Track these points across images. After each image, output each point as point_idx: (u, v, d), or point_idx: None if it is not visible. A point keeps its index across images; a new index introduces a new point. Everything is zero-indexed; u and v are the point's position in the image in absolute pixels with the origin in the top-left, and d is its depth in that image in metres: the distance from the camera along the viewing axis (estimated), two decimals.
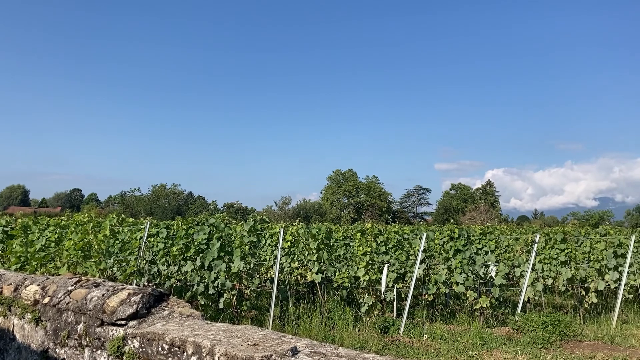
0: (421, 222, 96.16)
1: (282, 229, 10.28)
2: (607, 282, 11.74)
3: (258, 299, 12.40)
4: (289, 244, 12.29)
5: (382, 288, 10.85)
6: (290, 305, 10.27)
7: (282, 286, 11.30)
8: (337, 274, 11.46)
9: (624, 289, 11.49)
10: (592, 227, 20.50)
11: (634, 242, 11.74)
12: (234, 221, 15.27)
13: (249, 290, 10.23)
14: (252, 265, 10.33)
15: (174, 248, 10.49)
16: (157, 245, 11.34)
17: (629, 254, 11.37)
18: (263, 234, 11.98)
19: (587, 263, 12.07)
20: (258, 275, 12.18)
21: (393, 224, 16.36)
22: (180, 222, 11.20)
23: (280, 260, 12.00)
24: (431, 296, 11.52)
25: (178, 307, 4.08)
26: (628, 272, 11.71)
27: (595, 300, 11.52)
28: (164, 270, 11.10)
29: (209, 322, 3.80)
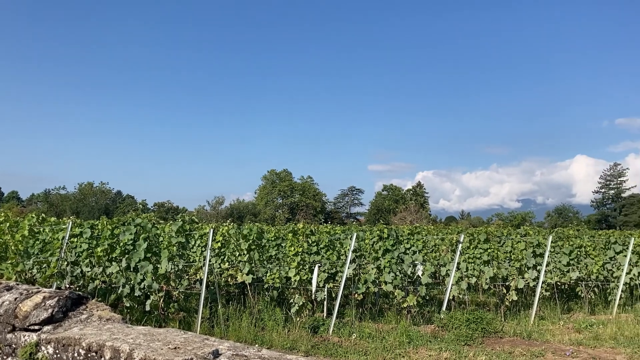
0: (354, 222, 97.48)
1: (212, 230, 10.13)
2: (526, 280, 12.32)
3: (187, 301, 12.16)
4: (219, 244, 12.13)
5: (313, 288, 10.91)
6: (220, 306, 10.14)
7: (212, 287, 11.14)
8: (268, 274, 11.43)
9: (541, 287, 12.10)
10: (514, 227, 21.47)
11: (551, 242, 12.38)
12: (163, 221, 14.91)
13: (177, 292, 10.02)
14: (180, 267, 10.12)
15: (99, 249, 10.12)
16: (81, 246, 10.91)
17: (547, 254, 11.99)
18: (192, 235, 11.77)
19: (509, 262, 12.62)
20: (187, 277, 11.95)
21: (326, 224, 16.49)
22: (105, 222, 10.82)
23: (210, 261, 11.83)
24: (361, 295, 11.69)
25: (97, 311, 3.94)
26: (545, 271, 12.35)
27: (515, 298, 12.06)
28: (88, 271, 10.69)
29: (130, 325, 3.69)
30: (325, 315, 11.59)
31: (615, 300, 13.08)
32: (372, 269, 11.46)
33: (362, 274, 11.68)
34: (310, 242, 11.63)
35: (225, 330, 9.71)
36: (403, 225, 26.18)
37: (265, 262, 12.13)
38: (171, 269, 9.78)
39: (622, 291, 13.23)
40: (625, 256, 13.33)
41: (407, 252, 13.11)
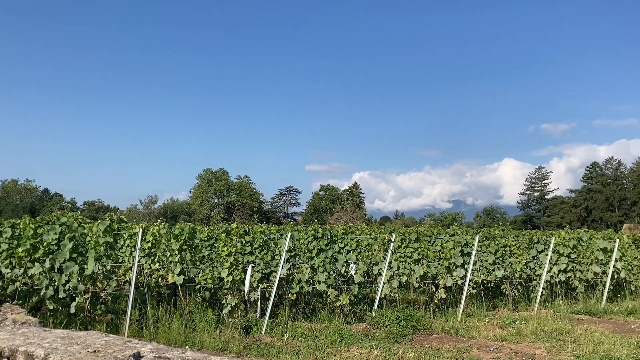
0: (291, 222, 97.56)
1: (142, 229, 9.87)
2: (454, 278, 12.72)
3: (116, 303, 11.80)
4: (149, 244, 11.83)
5: (246, 288, 10.83)
6: (149, 308, 9.89)
7: (142, 288, 10.85)
8: (200, 275, 11.25)
9: (468, 285, 12.53)
10: (444, 227, 22.14)
11: (478, 241, 12.85)
12: (92, 220, 14.39)
13: (105, 293, 9.70)
14: (108, 267, 9.80)
15: (20, 249, 9.65)
16: (0, 246, 10.37)
17: (473, 253, 12.44)
18: (121, 235, 11.42)
19: (438, 261, 12.98)
20: (116, 278, 11.59)
21: (261, 224, 16.42)
22: (27, 221, 10.31)
23: (140, 261, 11.52)
24: (294, 295, 11.71)
25: (12, 314, 3.75)
26: (472, 269, 12.80)
27: (444, 296, 12.43)
28: (8, 273, 10.18)
29: (47, 329, 3.54)
30: (258, 315, 11.54)
31: (536, 297, 13.74)
32: (306, 268, 11.51)
33: (296, 274, 11.71)
34: (244, 242, 11.55)
35: (155, 332, 9.48)
36: (339, 225, 26.46)
37: (197, 262, 11.93)
38: (99, 269, 9.46)
39: (543, 288, 13.90)
40: (547, 255, 14.01)
41: (341, 251, 13.26)
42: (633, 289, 15.92)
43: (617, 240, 15.19)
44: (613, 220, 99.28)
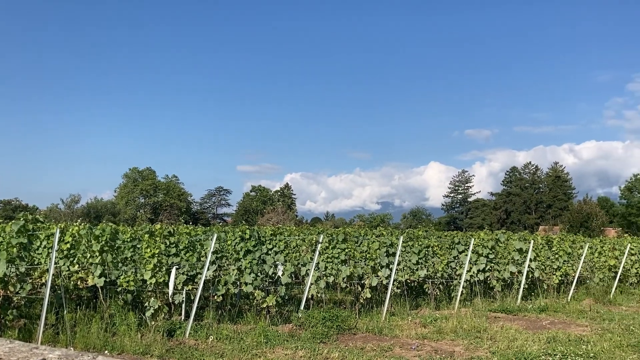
0: (220, 223, 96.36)
1: (59, 230, 9.44)
2: (380, 278, 12.99)
3: (31, 307, 11.20)
4: (68, 245, 11.34)
5: (170, 291, 10.60)
6: (66, 312, 9.48)
7: (59, 292, 10.37)
8: (122, 277, 10.90)
9: (393, 284, 12.84)
10: (371, 228, 22.58)
11: (402, 242, 13.19)
12: (6, 220, 13.62)
13: (18, 297, 9.21)
14: (22, 270, 9.31)
15: None
16: None
17: (398, 253, 12.76)
18: (37, 235, 10.88)
19: (364, 261, 13.22)
20: (31, 280, 11.02)
21: (187, 225, 16.11)
22: None
23: (58, 263, 11.02)
24: (220, 297, 11.58)
25: None
26: (397, 269, 13.13)
27: (369, 296, 12.66)
28: None
29: None
30: (183, 318, 11.33)
31: (457, 296, 14.26)
32: (233, 270, 11.41)
33: (222, 276, 11.58)
34: (169, 243, 11.30)
35: (72, 337, 9.10)
36: (269, 226, 26.39)
37: (119, 264, 11.55)
38: (11, 272, 8.97)
39: (463, 287, 14.45)
40: (467, 255, 14.58)
41: (269, 252, 13.24)
42: (545, 287, 16.87)
43: (532, 241, 16.03)
44: (530, 222, 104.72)
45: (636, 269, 20.07)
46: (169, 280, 10.67)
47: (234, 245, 11.64)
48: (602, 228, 76.55)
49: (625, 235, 39.77)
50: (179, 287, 11.25)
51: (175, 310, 11.75)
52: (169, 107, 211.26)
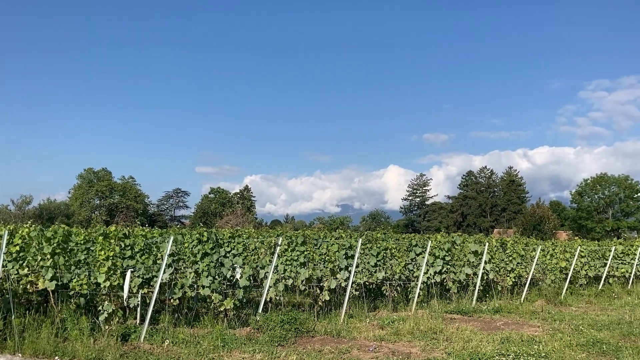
0: (178, 226, 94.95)
1: (8, 232, 9.11)
2: (338, 280, 13.03)
3: None
4: (17, 248, 10.94)
5: (125, 294, 10.37)
6: (14, 316, 9.15)
7: (7, 296, 10.00)
8: (75, 280, 10.59)
9: (351, 287, 12.90)
10: (330, 231, 22.65)
11: (361, 244, 13.27)
12: None
13: None
14: None
15: None
16: None
17: (356, 255, 12.83)
18: None
19: (323, 264, 13.23)
20: None
21: (143, 227, 15.79)
22: None
23: (6, 266, 10.64)
24: (177, 300, 11.38)
25: None
26: (356, 272, 13.20)
27: (328, 298, 12.68)
28: None
29: None
30: (138, 322, 11.09)
31: (414, 297, 14.45)
32: (190, 273, 11.24)
33: (179, 279, 11.39)
34: (124, 245, 11.05)
35: (21, 343, 8.79)
36: (227, 228, 26.11)
37: (72, 267, 11.22)
38: None
39: (420, 289, 14.65)
40: (424, 258, 14.78)
41: (228, 255, 13.10)
42: (500, 289, 17.26)
43: (487, 243, 16.38)
44: (485, 225, 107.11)
45: (585, 270, 20.75)
46: (123, 284, 10.44)
47: (191, 248, 11.47)
48: (553, 231, 78.96)
49: (575, 238, 41.10)
50: (135, 291, 11.01)
51: (131, 314, 11.49)
52: (125, 107, 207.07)
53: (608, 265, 21.51)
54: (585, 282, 20.65)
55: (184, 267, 12.31)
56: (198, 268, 11.08)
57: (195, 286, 11.19)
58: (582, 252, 20.51)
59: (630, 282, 22.24)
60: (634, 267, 22.39)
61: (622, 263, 22.41)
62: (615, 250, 22.05)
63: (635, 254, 22.54)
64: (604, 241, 28.32)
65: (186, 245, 12.15)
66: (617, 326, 12.42)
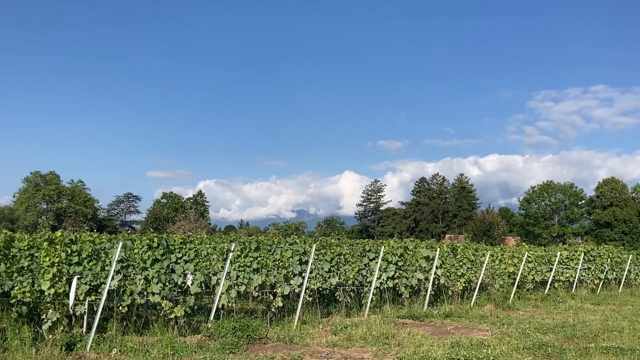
0: (129, 231, 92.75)
1: None
2: (292, 286, 12.99)
3: None
4: None
5: (71, 302, 10.02)
6: None
7: None
8: (17, 288, 10.17)
9: (305, 293, 12.88)
10: (285, 236, 22.58)
11: (315, 250, 13.28)
12: None
13: None
14: None
15: None
16: None
17: (310, 261, 12.82)
18: None
19: (277, 270, 13.17)
20: None
21: (91, 232, 15.32)
22: None
23: None
24: (125, 308, 11.09)
25: None
26: (309, 277, 13.19)
27: (281, 304, 12.62)
28: None
29: None
30: (84, 330, 10.75)
31: (367, 303, 14.53)
32: (140, 279, 10.98)
33: (128, 285, 11.11)
34: (70, 251, 10.70)
35: None
36: (179, 234, 25.65)
37: (15, 274, 10.78)
38: None
39: (373, 294, 14.75)
40: (377, 263, 14.90)
41: (179, 261, 12.87)
42: (450, 293, 17.57)
43: (438, 249, 16.66)
44: (437, 231, 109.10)
45: (532, 275, 21.38)
46: (69, 291, 10.10)
47: (141, 254, 11.21)
48: (502, 237, 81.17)
49: (523, 243, 42.32)
50: (81, 298, 10.67)
51: (77, 322, 11.13)
52: (75, 109, 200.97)
53: (554, 270, 22.23)
54: (532, 287, 21.27)
55: (133, 274, 12.02)
56: (148, 274, 10.82)
57: (145, 293, 10.93)
58: (529, 257, 21.13)
59: (574, 286, 23.04)
60: (578, 272, 23.22)
61: (566, 268, 23.20)
62: (560, 255, 22.81)
63: (579, 259, 23.39)
64: (550, 247, 29.27)
65: (136, 251, 11.86)
66: (562, 329, 12.83)
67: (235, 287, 12.47)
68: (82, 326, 11.03)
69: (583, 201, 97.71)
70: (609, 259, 25.37)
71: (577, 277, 23.22)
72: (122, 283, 12.03)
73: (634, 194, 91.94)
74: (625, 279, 26.67)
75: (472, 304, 17.17)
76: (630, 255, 27.48)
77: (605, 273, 24.93)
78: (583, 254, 23.73)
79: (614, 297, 22.26)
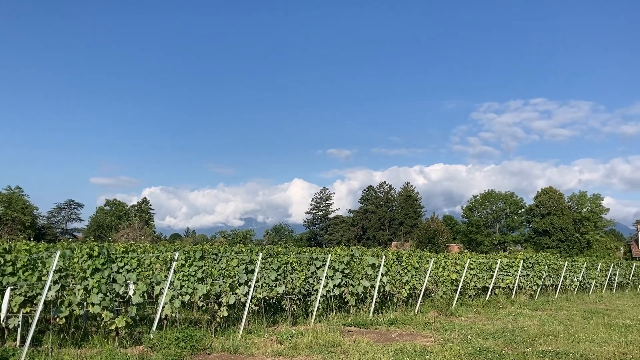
0: (69, 239, 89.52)
1: None
2: (238, 296, 12.85)
3: None
4: None
5: (3, 314, 9.58)
6: None
7: None
8: None
9: (251, 302, 12.76)
10: (231, 245, 22.34)
11: (262, 258, 13.19)
12: None
13: None
14: None
15: None
16: None
17: (256, 270, 12.73)
18: None
19: (223, 279, 13.00)
20: None
21: (28, 241, 14.69)
22: None
23: None
24: (63, 319, 10.68)
25: None
26: (255, 286, 13.08)
27: (226, 314, 12.45)
28: None
29: None
30: (18, 344, 10.29)
31: (313, 311, 14.54)
32: (79, 290, 10.61)
33: (66, 296, 10.71)
34: (4, 261, 10.24)
35: None
36: (123, 242, 24.92)
37: None
38: None
39: (319, 303, 14.78)
40: (324, 271, 14.95)
41: (121, 271, 12.50)
42: (396, 300, 17.82)
43: (384, 257, 16.88)
44: (384, 239, 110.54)
45: (474, 282, 21.97)
46: (2, 303, 9.65)
47: (81, 263, 10.85)
48: (446, 244, 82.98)
49: (465, 251, 43.42)
50: (15, 310, 10.21)
51: (10, 335, 10.65)
52: (12, 111, 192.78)
53: (494, 277, 22.92)
54: (474, 293, 21.85)
55: (72, 284, 11.60)
56: (88, 284, 10.48)
57: (85, 304, 10.57)
58: (471, 264, 21.70)
59: (514, 292, 23.82)
60: (517, 279, 24.02)
61: (507, 275, 23.96)
62: (500, 262, 23.55)
63: (519, 266, 24.21)
64: (491, 254, 30.18)
65: (75, 260, 11.47)
66: (502, 334, 13.23)
67: (179, 296, 12.23)
68: (15, 339, 10.56)
69: (523, 210, 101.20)
70: (546, 266, 26.38)
71: (516, 284, 24.02)
72: (60, 294, 11.58)
73: (570, 203, 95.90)
74: (561, 285, 27.82)
75: (416, 310, 17.46)
76: (566, 262, 28.68)
77: (542, 279, 25.90)
78: (522, 261, 24.59)
79: (551, 302, 23.16)
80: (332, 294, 15.50)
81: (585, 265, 30.74)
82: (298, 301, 14.93)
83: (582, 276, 30.25)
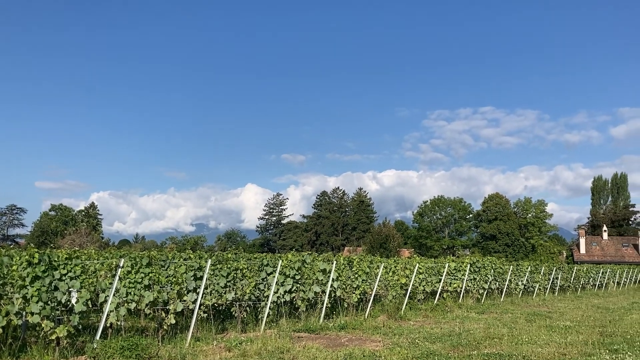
0: (11, 246, 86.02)
1: None
2: (186, 303, 12.62)
3: None
4: None
5: None
6: None
7: None
8: None
9: (199, 309, 12.57)
10: (180, 251, 21.96)
11: (211, 265, 13.03)
12: None
13: None
14: None
15: None
16: None
17: (205, 276, 12.55)
18: None
19: (170, 286, 12.75)
20: None
21: None
22: None
23: None
24: (0, 329, 10.24)
25: None
26: (204, 293, 12.90)
27: (174, 321, 12.21)
28: None
29: None
30: None
31: (263, 317, 14.45)
32: (17, 298, 10.20)
33: (3, 305, 10.27)
34: None
35: None
36: (68, 248, 24.14)
37: None
38: None
39: (270, 309, 14.69)
40: (274, 277, 14.89)
41: (63, 278, 12.08)
42: (346, 305, 17.92)
43: (335, 262, 16.94)
44: (337, 244, 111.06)
45: (423, 286, 22.32)
46: None
47: (20, 271, 10.43)
48: (398, 249, 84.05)
49: (414, 255, 44.13)
50: None
51: None
52: None
53: (442, 281, 23.36)
54: (423, 297, 22.19)
55: (10, 292, 11.14)
56: (27, 293, 10.08)
57: (24, 313, 10.17)
58: (420, 268, 22.04)
59: (461, 296, 24.34)
60: (464, 282, 24.57)
61: (454, 279, 24.47)
62: (448, 267, 24.04)
63: (466, 270, 24.77)
64: (439, 258, 30.75)
65: (14, 268, 11.03)
66: (449, 338, 13.48)
67: (125, 304, 11.92)
68: None
69: (471, 215, 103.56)
70: (492, 270, 27.10)
71: (463, 287, 24.56)
72: None
73: (515, 209, 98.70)
74: (507, 288, 28.64)
75: (366, 315, 17.60)
76: (511, 266, 29.56)
77: (489, 283, 26.59)
78: (469, 265, 25.17)
79: (497, 305, 23.80)
80: (282, 300, 15.44)
81: (529, 269, 31.75)
82: (248, 308, 14.80)
83: (527, 280, 31.23)
